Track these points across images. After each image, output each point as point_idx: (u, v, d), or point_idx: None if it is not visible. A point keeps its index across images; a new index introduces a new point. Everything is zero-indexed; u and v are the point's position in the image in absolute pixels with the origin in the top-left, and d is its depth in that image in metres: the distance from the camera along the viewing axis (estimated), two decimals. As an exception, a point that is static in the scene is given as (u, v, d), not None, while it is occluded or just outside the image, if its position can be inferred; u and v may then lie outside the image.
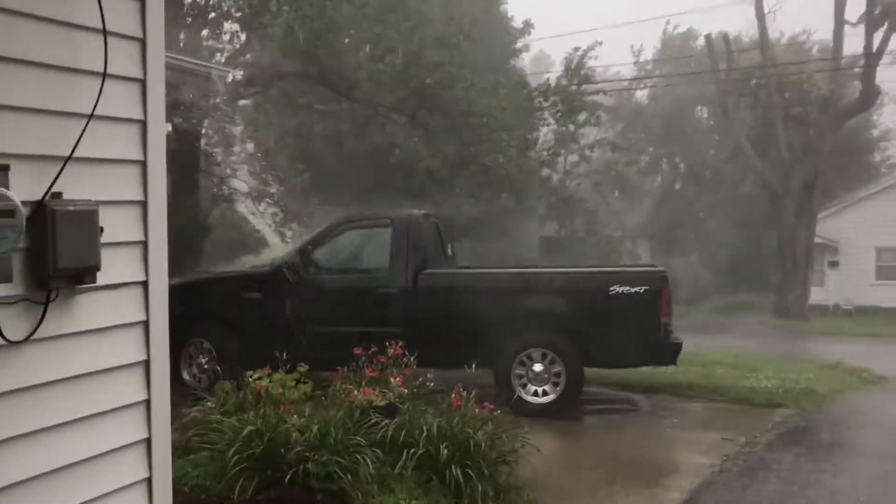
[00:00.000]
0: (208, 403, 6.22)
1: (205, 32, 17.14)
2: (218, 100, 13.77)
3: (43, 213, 2.46)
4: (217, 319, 8.72)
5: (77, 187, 2.60)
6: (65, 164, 2.50)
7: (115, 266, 2.75)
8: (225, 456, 5.35)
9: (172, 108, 14.25)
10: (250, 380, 6.16)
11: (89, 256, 2.59)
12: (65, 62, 2.57)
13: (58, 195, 2.52)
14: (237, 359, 8.05)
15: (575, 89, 23.31)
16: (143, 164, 2.86)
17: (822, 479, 6.37)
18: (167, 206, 3.03)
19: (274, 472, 5.24)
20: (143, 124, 2.85)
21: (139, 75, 2.83)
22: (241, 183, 19.69)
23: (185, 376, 8.86)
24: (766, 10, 28.44)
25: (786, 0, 40.70)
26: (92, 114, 2.57)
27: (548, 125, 23.07)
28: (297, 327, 8.47)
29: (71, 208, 2.52)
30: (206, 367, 8.80)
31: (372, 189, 25.17)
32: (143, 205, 2.88)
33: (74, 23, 2.58)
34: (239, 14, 17.15)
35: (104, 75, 2.60)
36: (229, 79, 16.59)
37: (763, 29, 28.43)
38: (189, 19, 16.33)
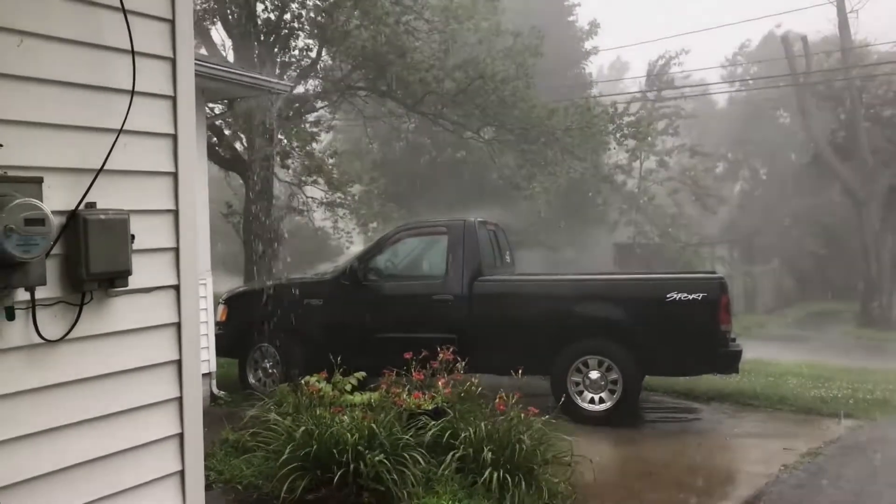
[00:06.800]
0: (267, 405, 6.43)
1: (277, 49, 17.59)
2: (286, 113, 14.16)
3: (76, 221, 2.67)
4: (280, 325, 8.99)
5: (111, 197, 2.81)
6: (96, 177, 2.71)
7: (147, 271, 2.95)
8: (279, 456, 5.55)
9: (242, 122, 14.81)
10: (304, 383, 6.34)
11: (121, 262, 2.79)
12: (98, 82, 2.78)
13: (92, 205, 2.73)
14: (299, 363, 8.31)
15: (641, 117, 22.91)
16: (175, 176, 3.06)
17: (881, 491, 6.19)
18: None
19: (323, 472, 5.40)
20: (174, 138, 3.05)
21: (170, 92, 3.03)
22: (317, 192, 20.20)
23: (251, 380, 9.18)
24: (848, 9, 27.58)
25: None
26: (121, 129, 2.78)
27: (617, 146, 22.70)
28: (356, 332, 8.67)
29: (102, 217, 2.72)
30: (270, 371, 9.09)
31: (453, 196, 25.48)
32: (175, 213, 3.06)
33: (107, 45, 2.79)
34: (313, 30, 17.64)
35: (132, 93, 2.80)
36: (300, 92, 17.08)
37: (845, 29, 27.56)
38: (262, 35, 16.85)
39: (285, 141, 16.93)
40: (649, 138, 22.81)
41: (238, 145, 16.80)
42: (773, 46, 40.54)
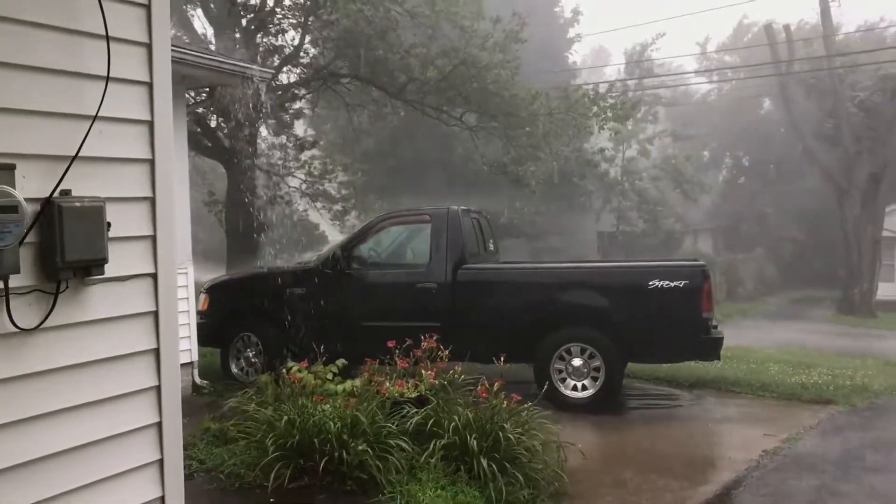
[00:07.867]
0: (248, 394, 6.40)
1: (259, 36, 17.47)
2: (266, 101, 14.04)
3: (51, 209, 2.63)
4: (263, 314, 8.96)
5: (87, 185, 2.77)
6: (70, 164, 2.67)
7: (124, 259, 2.92)
8: (261, 445, 5.53)
9: (223, 111, 14.69)
10: (285, 372, 6.32)
11: (97, 250, 2.75)
12: (73, 68, 2.73)
13: (66, 192, 2.69)
14: (282, 352, 8.28)
15: (624, 100, 22.70)
16: (152, 163, 3.02)
17: (860, 476, 6.25)
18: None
19: (306, 460, 5.40)
20: (151, 125, 3.01)
21: (146, 79, 2.98)
22: (298, 181, 20.08)
23: (234, 369, 9.14)
24: (830, -3, 27.70)
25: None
26: (96, 116, 2.74)
27: (600, 129, 22.48)
28: (339, 321, 8.65)
29: (77, 204, 2.68)
30: (253, 360, 9.06)
31: (439, 184, 25.38)
32: (152, 201, 3.03)
33: (81, 30, 2.74)
34: (294, 17, 17.52)
35: (107, 79, 2.76)
36: (283, 80, 16.96)
37: (827, 17, 27.66)
38: (244, 22, 16.72)
39: (265, 130, 16.84)
40: (630, 122, 22.63)
41: (220, 134, 16.68)
42: (743, 34, 40.72)
